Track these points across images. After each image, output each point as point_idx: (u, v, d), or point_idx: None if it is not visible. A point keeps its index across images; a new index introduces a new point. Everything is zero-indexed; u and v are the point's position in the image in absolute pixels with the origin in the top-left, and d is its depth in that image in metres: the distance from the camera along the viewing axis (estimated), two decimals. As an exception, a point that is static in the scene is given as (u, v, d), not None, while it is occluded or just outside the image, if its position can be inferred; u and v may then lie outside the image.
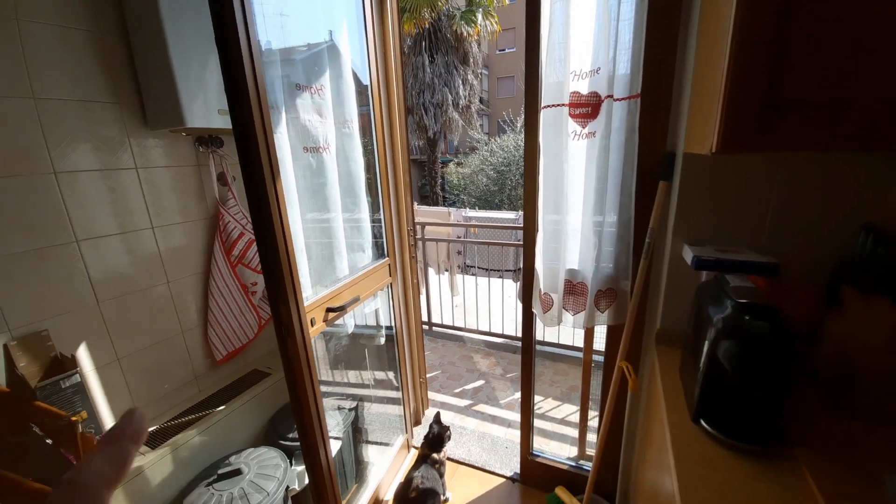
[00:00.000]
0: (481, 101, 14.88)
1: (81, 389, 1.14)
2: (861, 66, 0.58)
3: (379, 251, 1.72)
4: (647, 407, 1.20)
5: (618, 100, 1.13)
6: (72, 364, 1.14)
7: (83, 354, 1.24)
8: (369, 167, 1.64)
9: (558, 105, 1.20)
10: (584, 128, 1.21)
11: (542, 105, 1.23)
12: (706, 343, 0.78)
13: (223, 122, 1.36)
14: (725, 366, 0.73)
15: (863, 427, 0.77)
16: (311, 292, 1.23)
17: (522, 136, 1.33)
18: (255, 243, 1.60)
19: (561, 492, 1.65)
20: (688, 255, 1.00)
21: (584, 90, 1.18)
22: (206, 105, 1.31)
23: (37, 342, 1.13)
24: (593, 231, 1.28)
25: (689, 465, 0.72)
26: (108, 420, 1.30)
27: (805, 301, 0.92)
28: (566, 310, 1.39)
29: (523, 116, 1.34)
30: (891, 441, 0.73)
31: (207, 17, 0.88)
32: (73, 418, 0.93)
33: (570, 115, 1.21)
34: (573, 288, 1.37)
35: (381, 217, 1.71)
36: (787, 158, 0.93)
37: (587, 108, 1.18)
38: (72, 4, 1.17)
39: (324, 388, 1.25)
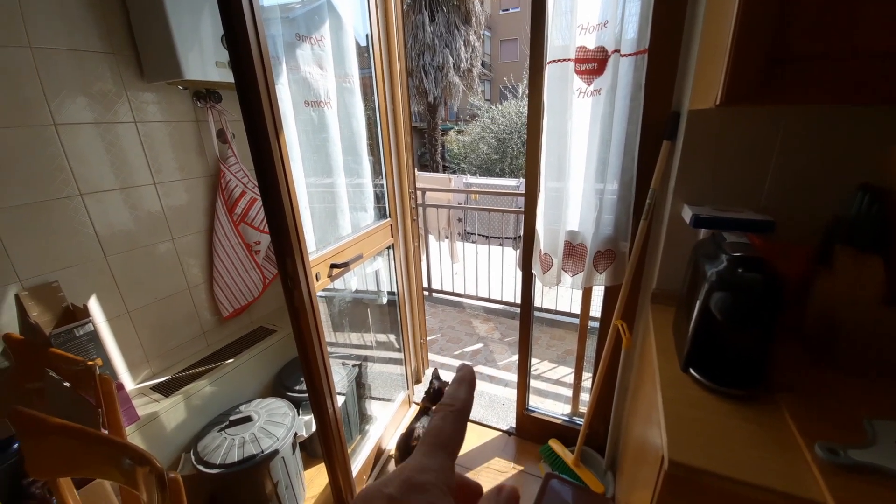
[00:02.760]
0: (483, 64, 14.38)
1: (95, 338, 1.18)
2: (863, 18, 0.58)
3: (381, 212, 1.73)
4: (640, 363, 1.25)
5: (625, 55, 1.11)
6: (84, 314, 1.17)
7: (94, 306, 1.27)
8: (370, 126, 1.62)
9: (564, 60, 1.18)
10: (589, 85, 1.19)
11: (548, 60, 1.20)
12: (700, 296, 0.81)
13: (220, 75, 1.33)
14: (717, 316, 0.76)
15: (846, 378, 0.81)
16: (315, 248, 1.25)
17: (525, 102, 1.31)
18: (256, 202, 1.61)
19: (554, 444, 1.74)
20: (687, 214, 1.01)
21: (591, 45, 1.15)
22: (202, 57, 1.28)
23: (48, 292, 1.16)
24: (595, 196, 1.28)
25: (676, 407, 0.76)
26: (119, 365, 1.36)
27: (797, 259, 0.94)
28: (565, 271, 1.42)
29: (527, 77, 1.32)
30: (872, 391, 0.77)
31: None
32: (90, 363, 0.97)
33: (575, 71, 1.19)
34: (572, 249, 1.39)
35: (383, 177, 1.71)
36: (790, 117, 0.93)
37: (593, 63, 1.16)
38: (60, -54, 1.12)
39: (330, 349, 1.29)
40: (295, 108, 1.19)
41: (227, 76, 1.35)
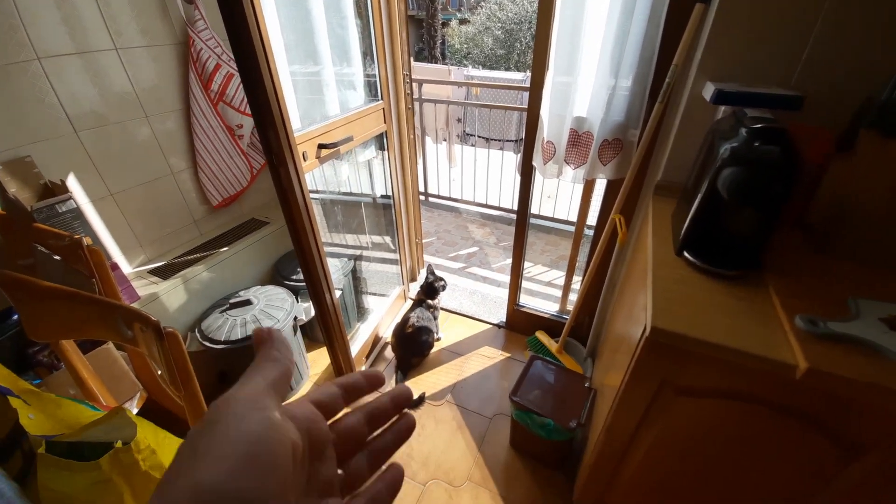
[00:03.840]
0: (494, -62, 12.31)
1: (80, 216, 1.15)
2: None
3: (372, 93, 1.59)
4: (633, 253, 1.26)
5: None
6: (63, 190, 1.13)
7: (74, 185, 1.22)
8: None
9: None
10: (618, -71, 0.99)
11: None
12: (708, 176, 0.77)
13: None
14: (723, 194, 0.72)
15: (842, 264, 0.81)
16: (300, 126, 1.16)
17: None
18: (234, 78, 1.46)
19: (540, 334, 1.85)
20: (708, 91, 0.92)
21: None
22: None
23: (22, 168, 1.10)
24: (610, 74, 1.15)
25: (665, 284, 0.77)
26: (112, 247, 1.36)
27: (819, 143, 0.87)
28: (567, 163, 1.35)
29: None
30: (865, 276, 0.77)
31: None
32: (76, 237, 0.95)
33: None
34: (577, 139, 1.31)
35: (375, 59, 1.53)
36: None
37: None
38: None
39: (326, 249, 1.27)
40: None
41: None
